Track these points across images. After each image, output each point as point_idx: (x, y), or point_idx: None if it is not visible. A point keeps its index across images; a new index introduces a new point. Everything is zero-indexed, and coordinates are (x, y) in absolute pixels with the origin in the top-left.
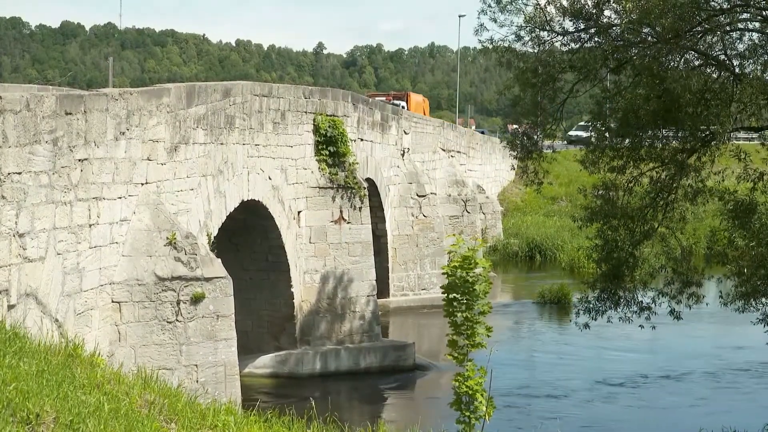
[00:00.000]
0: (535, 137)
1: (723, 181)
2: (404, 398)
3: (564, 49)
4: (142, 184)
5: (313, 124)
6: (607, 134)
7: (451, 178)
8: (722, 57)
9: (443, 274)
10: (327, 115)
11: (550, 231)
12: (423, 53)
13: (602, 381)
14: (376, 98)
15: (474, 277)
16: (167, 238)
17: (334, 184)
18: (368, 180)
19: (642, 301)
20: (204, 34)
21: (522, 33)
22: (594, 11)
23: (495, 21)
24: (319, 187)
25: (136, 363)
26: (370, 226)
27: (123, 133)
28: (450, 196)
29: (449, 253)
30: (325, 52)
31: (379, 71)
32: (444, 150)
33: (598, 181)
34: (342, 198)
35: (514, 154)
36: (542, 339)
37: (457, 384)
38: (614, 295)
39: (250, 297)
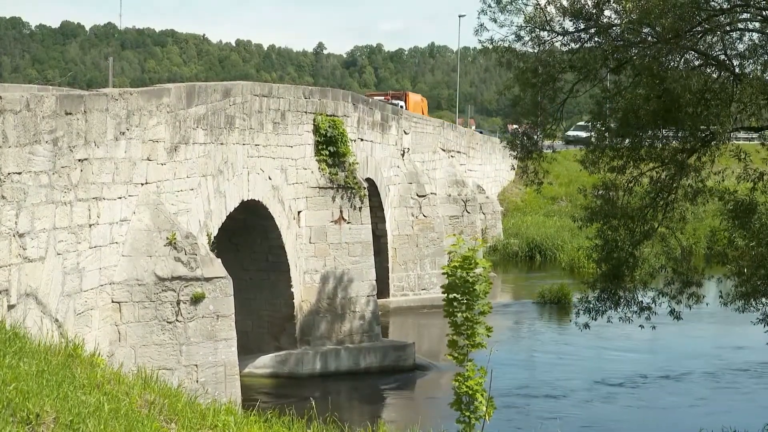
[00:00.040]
0: (535, 137)
1: (723, 181)
2: (404, 398)
3: (564, 49)
4: (142, 184)
5: (313, 124)
6: (607, 134)
7: (451, 178)
8: (722, 57)
9: (443, 274)
10: (327, 115)
11: (550, 231)
12: (423, 53)
13: (602, 381)
14: (375, 98)
15: (474, 277)
16: (167, 238)
17: (334, 184)
18: (368, 180)
19: (642, 301)
20: (204, 34)
21: (522, 33)
22: (594, 11)
23: (495, 21)
24: (319, 187)
25: (136, 363)
26: (370, 226)
27: (123, 133)
28: (450, 196)
29: (449, 253)
30: (325, 52)
31: (379, 71)
32: (444, 150)
33: (598, 181)
34: (342, 198)
35: (514, 154)
36: (542, 339)
37: (457, 384)
38: (614, 295)
39: (250, 297)
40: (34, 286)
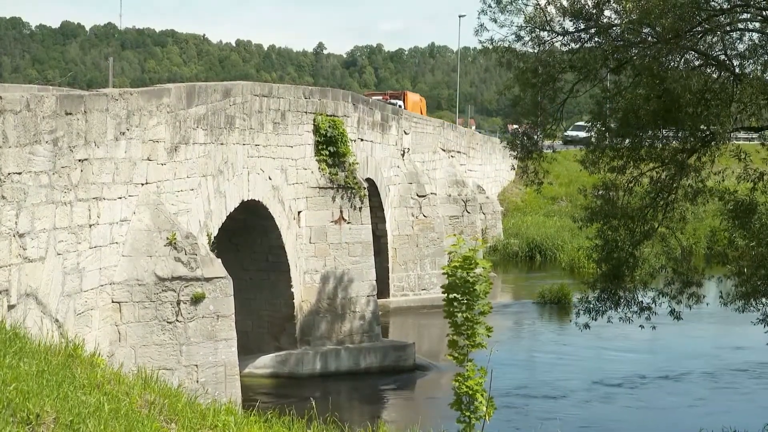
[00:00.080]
0: (535, 137)
1: (723, 181)
2: (404, 398)
3: (564, 49)
4: (143, 185)
5: (313, 125)
6: (607, 134)
7: (451, 178)
8: (722, 57)
9: (443, 274)
10: (327, 116)
11: (551, 231)
12: (423, 53)
13: (601, 381)
14: (373, 98)
15: (474, 278)
16: (167, 239)
17: (334, 184)
18: (368, 180)
19: (642, 302)
20: (204, 34)
21: (522, 33)
22: (594, 11)
23: (495, 21)
24: (319, 187)
25: (137, 363)
26: (370, 226)
27: (123, 134)
28: (450, 196)
29: (449, 253)
30: (325, 52)
31: (380, 71)
32: (444, 150)
33: (598, 181)
34: (342, 198)
35: (514, 154)
36: (542, 339)
37: (457, 384)
38: (614, 295)
39: (250, 297)
40: (34, 286)
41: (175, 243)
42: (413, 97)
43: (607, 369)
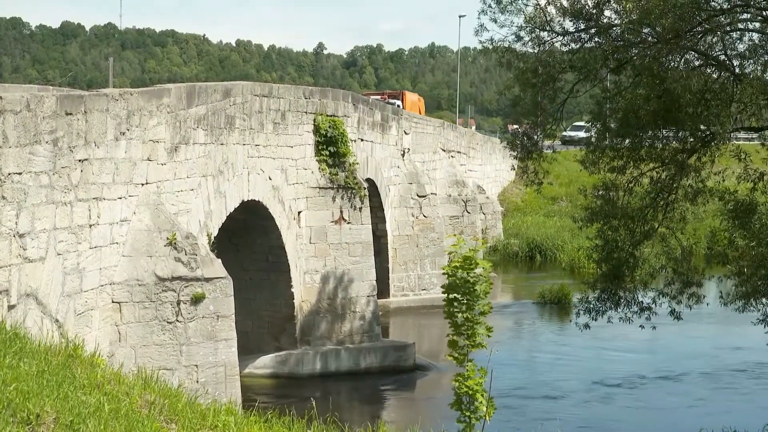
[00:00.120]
0: (535, 137)
1: (723, 181)
2: (404, 398)
3: (564, 49)
4: (143, 185)
5: (314, 125)
6: (607, 134)
7: (452, 178)
8: (722, 57)
9: (444, 274)
10: (327, 116)
11: (551, 231)
12: (423, 53)
13: (602, 381)
14: (371, 97)
15: (475, 278)
16: (167, 239)
17: (335, 185)
18: (368, 180)
19: (642, 302)
20: (204, 35)
21: (522, 33)
22: (594, 11)
23: (495, 21)
24: (320, 188)
25: (137, 363)
26: (370, 226)
27: (123, 134)
28: (450, 196)
29: (449, 253)
30: (325, 52)
31: (380, 71)
32: (444, 150)
33: (599, 182)
34: (342, 198)
35: (515, 154)
36: (542, 339)
37: (457, 384)
38: (614, 295)
39: (250, 297)
40: (34, 286)
41: (175, 243)
42: (411, 97)
43: (607, 369)
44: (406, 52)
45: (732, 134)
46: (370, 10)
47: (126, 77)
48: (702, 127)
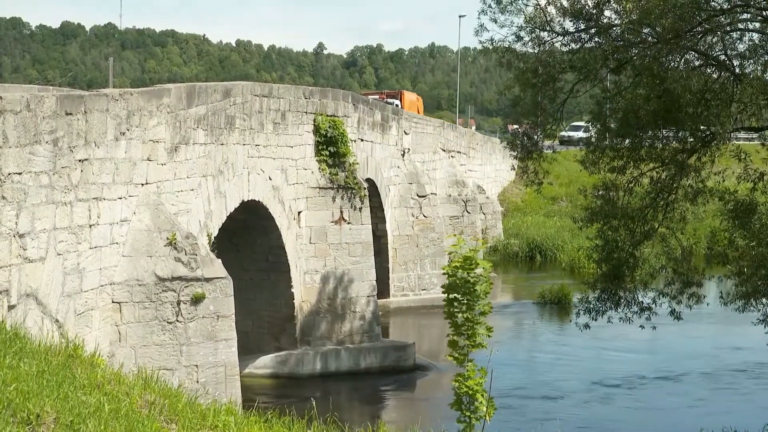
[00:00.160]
0: (536, 137)
1: (723, 181)
2: (404, 399)
3: (564, 49)
4: (143, 185)
5: (314, 125)
6: (607, 134)
7: (452, 178)
8: (722, 57)
9: (444, 274)
10: (327, 116)
11: (551, 231)
12: (423, 53)
13: (601, 382)
14: (369, 97)
15: (475, 278)
16: (167, 239)
17: (335, 185)
18: (368, 180)
19: (642, 302)
20: (204, 35)
21: (522, 33)
22: (594, 11)
23: (495, 21)
24: (320, 188)
25: (137, 363)
26: (370, 226)
27: (123, 134)
28: (450, 196)
29: (450, 253)
30: (325, 52)
31: (380, 71)
32: (444, 150)
33: (599, 182)
34: (342, 198)
35: (515, 154)
36: (542, 339)
37: (457, 384)
38: (615, 295)
39: (250, 297)
40: (34, 286)
41: (175, 243)
42: (410, 97)
43: (607, 369)
44: (406, 52)
45: (732, 134)
46: (370, 10)
47: (126, 77)
48: (702, 127)
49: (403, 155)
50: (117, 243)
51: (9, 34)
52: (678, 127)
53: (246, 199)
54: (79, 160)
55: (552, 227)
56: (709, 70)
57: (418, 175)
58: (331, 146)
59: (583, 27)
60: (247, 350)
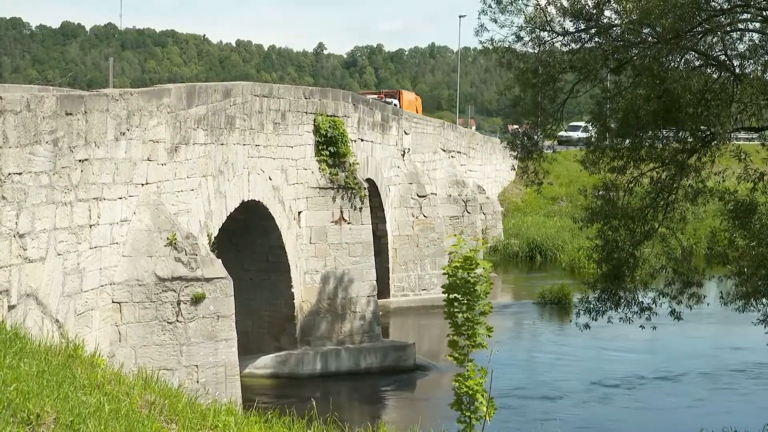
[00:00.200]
0: (536, 137)
1: (723, 181)
2: (404, 399)
3: (564, 49)
4: (143, 185)
5: (314, 125)
6: (607, 134)
7: (452, 178)
8: (722, 57)
9: (444, 274)
10: (327, 116)
11: (551, 231)
12: (423, 53)
13: (601, 382)
14: (367, 96)
15: (475, 278)
16: (167, 239)
17: (335, 185)
18: (368, 180)
19: (643, 302)
20: (204, 35)
21: (522, 33)
22: (594, 12)
23: (495, 21)
24: (320, 188)
25: (137, 363)
26: (370, 226)
27: (123, 134)
28: (450, 196)
29: (450, 253)
30: (325, 52)
31: (380, 72)
32: (444, 150)
33: (599, 182)
34: (342, 198)
35: (515, 154)
36: (542, 339)
37: (457, 384)
38: (615, 295)
39: (250, 297)
40: (34, 286)
41: (175, 243)
42: (408, 96)
43: (607, 369)
44: (406, 53)
45: (732, 134)
46: (370, 10)
47: (126, 77)
48: (702, 127)
49: (403, 155)
50: (117, 243)
51: (9, 34)
52: (678, 127)
53: (246, 199)
54: (80, 160)
55: (552, 227)
56: (709, 71)
57: (419, 175)
58: (331, 146)
59: (583, 27)
60: (247, 350)
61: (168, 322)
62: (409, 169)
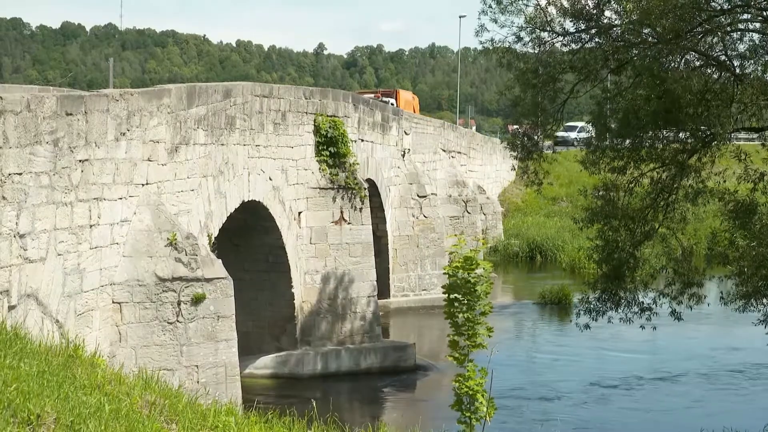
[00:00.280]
0: (536, 138)
1: (723, 181)
2: (405, 399)
3: (564, 49)
4: (143, 185)
5: (314, 125)
6: (607, 135)
7: (452, 178)
8: (723, 57)
9: (444, 274)
10: (327, 116)
11: (551, 232)
12: (423, 54)
13: (600, 383)
14: (365, 95)
15: (475, 278)
16: (168, 239)
17: (335, 185)
18: (369, 180)
19: (643, 302)
20: (204, 35)
21: (522, 34)
22: (594, 12)
23: (495, 22)
24: (320, 188)
25: (137, 364)
26: (370, 226)
27: (123, 134)
28: (450, 196)
29: (450, 253)
30: (325, 52)
31: (380, 72)
32: (444, 150)
33: (599, 182)
34: (342, 199)
35: (515, 154)
36: (542, 340)
37: (457, 385)
38: (615, 295)
39: (250, 297)
40: (34, 286)
41: (175, 243)
42: (406, 95)
43: (607, 370)
44: (407, 53)
45: (732, 135)
46: (370, 10)
47: (126, 77)
48: (702, 127)
49: (403, 155)
50: (117, 243)
51: (9, 35)
52: (678, 127)
53: (246, 200)
54: (80, 161)
55: (552, 227)
56: (709, 71)
57: (419, 175)
58: (331, 146)
59: (583, 27)
60: (248, 350)
61: (168, 323)
62: (409, 169)
